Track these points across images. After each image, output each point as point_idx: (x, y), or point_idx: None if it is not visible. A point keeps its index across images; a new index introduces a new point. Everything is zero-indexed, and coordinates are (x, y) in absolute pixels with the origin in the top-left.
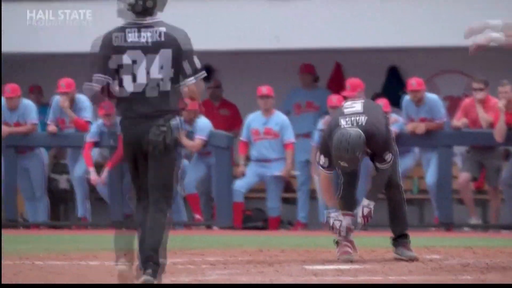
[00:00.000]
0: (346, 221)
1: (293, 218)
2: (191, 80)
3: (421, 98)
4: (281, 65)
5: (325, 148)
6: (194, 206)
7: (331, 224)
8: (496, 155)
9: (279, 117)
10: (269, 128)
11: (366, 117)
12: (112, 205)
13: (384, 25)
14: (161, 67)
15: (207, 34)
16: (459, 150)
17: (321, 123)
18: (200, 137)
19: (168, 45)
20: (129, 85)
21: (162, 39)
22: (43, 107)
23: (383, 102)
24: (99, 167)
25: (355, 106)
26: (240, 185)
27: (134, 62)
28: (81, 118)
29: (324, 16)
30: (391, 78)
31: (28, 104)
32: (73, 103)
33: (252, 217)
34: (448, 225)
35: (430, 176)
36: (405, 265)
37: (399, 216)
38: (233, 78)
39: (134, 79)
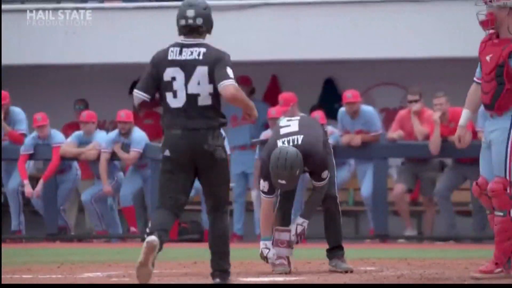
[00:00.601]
0: (272, 251)
1: None
2: (221, 84)
3: (356, 110)
4: None
5: (265, 171)
6: (130, 218)
7: (259, 251)
8: (431, 167)
9: None
10: None
11: (302, 136)
12: (47, 217)
13: (320, 37)
14: (198, 83)
15: (131, 47)
16: (394, 162)
17: (262, 135)
18: (135, 150)
19: (204, 63)
20: (171, 101)
21: (200, 57)
22: None
23: (319, 114)
24: (33, 180)
25: (291, 125)
26: None
27: (173, 78)
28: (16, 130)
29: (259, 28)
30: (328, 90)
31: None
32: (7, 116)
33: (188, 229)
34: (383, 237)
35: (366, 188)
36: (340, 277)
37: (334, 227)
38: None
39: (175, 95)
